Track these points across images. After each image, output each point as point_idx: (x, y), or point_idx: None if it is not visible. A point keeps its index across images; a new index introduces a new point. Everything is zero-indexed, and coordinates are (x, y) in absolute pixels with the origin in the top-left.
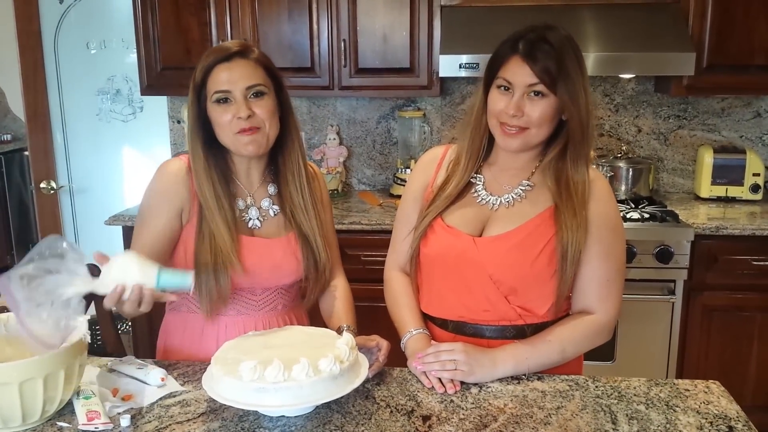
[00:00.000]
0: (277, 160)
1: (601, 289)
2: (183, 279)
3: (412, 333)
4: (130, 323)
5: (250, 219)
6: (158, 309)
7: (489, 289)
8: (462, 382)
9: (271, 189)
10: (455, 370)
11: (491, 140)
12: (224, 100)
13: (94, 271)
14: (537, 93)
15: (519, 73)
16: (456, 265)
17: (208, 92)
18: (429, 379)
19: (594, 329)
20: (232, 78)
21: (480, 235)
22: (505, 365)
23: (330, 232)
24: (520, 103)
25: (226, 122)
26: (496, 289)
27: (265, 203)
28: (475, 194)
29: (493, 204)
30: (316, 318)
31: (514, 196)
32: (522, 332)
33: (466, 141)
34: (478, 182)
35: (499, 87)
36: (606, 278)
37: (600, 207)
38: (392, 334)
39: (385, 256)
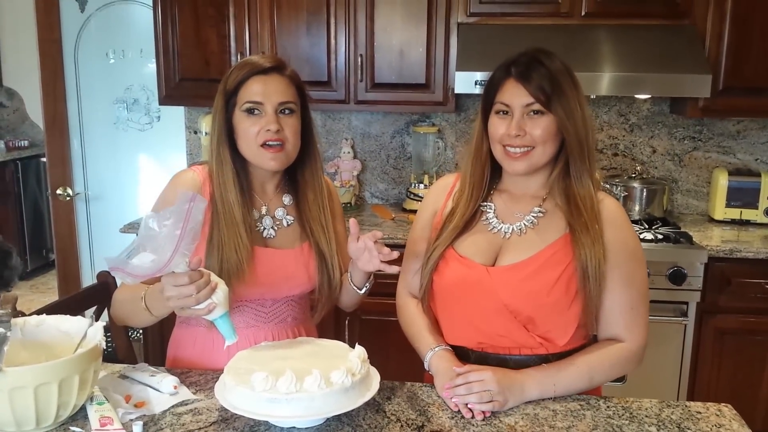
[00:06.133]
0: (296, 173)
1: (626, 317)
2: (230, 334)
3: (434, 350)
4: (141, 331)
5: (265, 228)
6: (169, 319)
7: (506, 318)
8: None
9: (287, 199)
10: (492, 401)
11: (500, 168)
12: (254, 111)
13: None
14: (536, 111)
15: (515, 94)
16: (471, 295)
17: (238, 101)
18: (456, 404)
19: (623, 357)
20: (266, 91)
21: (493, 264)
22: (532, 391)
23: (344, 243)
24: (521, 122)
25: (252, 134)
26: (514, 319)
27: (280, 212)
28: (486, 222)
29: (506, 232)
30: (324, 333)
31: (526, 224)
32: (546, 361)
33: (468, 170)
34: (489, 210)
35: (497, 112)
36: (630, 305)
37: (617, 233)
38: (403, 348)
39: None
